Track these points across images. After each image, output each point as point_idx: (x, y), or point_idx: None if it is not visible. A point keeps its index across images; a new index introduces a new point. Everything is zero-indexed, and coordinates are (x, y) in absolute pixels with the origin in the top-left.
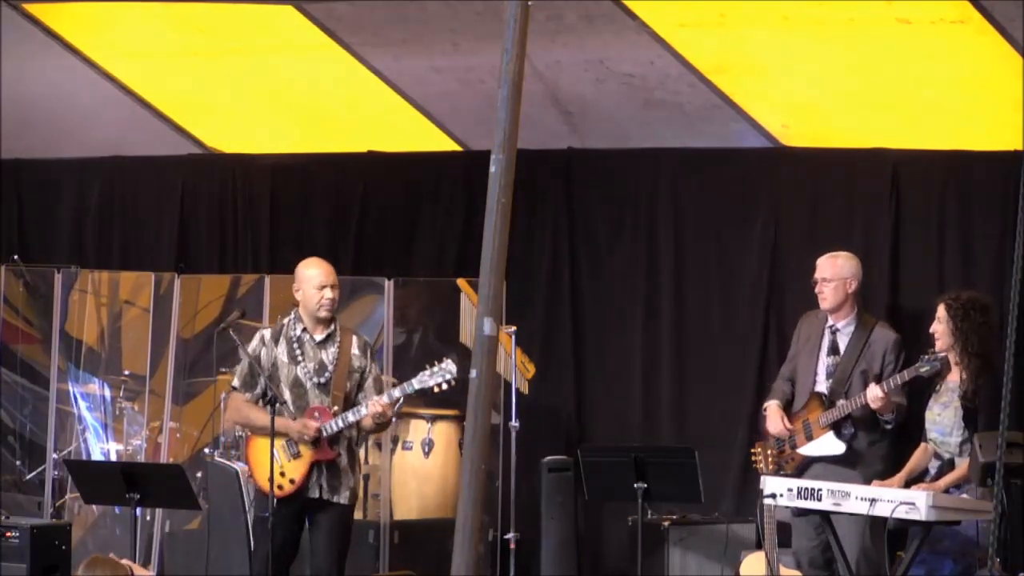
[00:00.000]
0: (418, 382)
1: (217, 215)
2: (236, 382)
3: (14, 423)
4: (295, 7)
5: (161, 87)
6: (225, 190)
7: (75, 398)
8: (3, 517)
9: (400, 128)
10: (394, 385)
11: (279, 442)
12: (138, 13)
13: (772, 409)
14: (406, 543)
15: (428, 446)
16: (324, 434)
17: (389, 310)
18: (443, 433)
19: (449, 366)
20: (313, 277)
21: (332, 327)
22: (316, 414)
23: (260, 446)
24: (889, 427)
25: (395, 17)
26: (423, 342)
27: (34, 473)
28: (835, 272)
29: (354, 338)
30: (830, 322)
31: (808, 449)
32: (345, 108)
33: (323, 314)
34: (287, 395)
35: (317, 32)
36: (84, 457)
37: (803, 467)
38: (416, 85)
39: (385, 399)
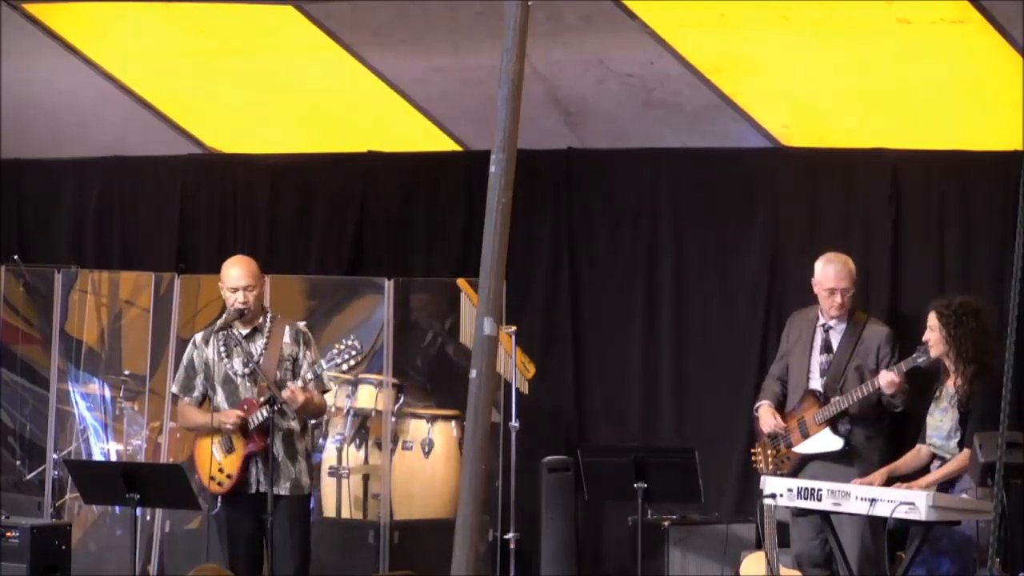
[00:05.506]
0: (327, 361)
1: (217, 215)
2: (175, 388)
3: (14, 423)
4: (295, 7)
5: (161, 87)
6: (225, 190)
7: (75, 398)
8: (3, 517)
9: (400, 128)
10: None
11: (216, 439)
12: (138, 13)
13: (764, 409)
14: (406, 543)
15: (428, 446)
16: (251, 424)
17: (389, 310)
18: (443, 433)
19: (353, 343)
20: (227, 279)
21: (261, 320)
22: (245, 407)
23: (202, 445)
24: (898, 409)
25: (395, 17)
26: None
27: (34, 473)
28: (852, 279)
29: (287, 327)
30: (822, 320)
31: (804, 447)
32: (345, 108)
33: (235, 316)
34: (220, 393)
35: (317, 32)
36: (84, 457)
37: (799, 466)
38: (416, 85)
39: (298, 382)
